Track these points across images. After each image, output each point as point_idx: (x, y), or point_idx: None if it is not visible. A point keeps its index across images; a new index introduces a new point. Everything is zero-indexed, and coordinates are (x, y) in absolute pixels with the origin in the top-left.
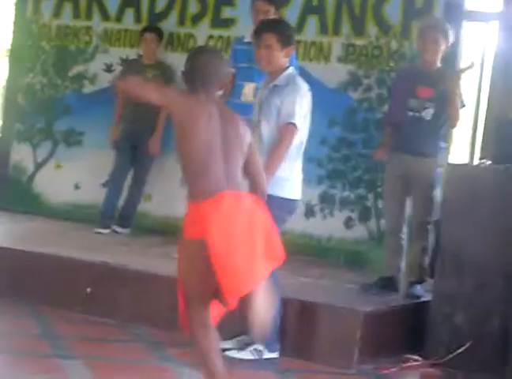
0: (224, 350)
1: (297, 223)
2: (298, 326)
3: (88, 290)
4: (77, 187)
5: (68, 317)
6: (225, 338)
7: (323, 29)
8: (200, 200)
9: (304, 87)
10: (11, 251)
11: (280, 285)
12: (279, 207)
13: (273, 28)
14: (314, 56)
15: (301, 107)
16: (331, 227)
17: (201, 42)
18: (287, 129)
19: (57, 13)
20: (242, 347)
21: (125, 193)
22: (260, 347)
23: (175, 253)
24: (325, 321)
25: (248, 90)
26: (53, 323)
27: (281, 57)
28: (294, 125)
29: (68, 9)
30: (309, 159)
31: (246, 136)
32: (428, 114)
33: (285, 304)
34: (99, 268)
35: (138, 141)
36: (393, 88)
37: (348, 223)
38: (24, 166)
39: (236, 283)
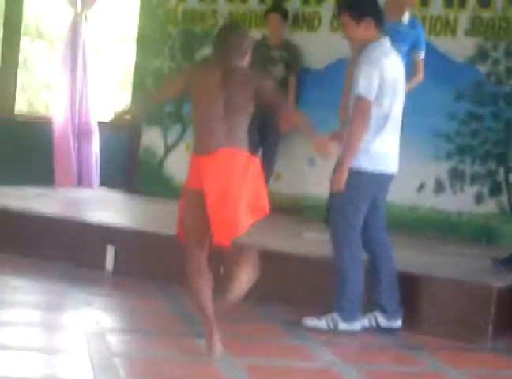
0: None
1: (427, 199)
2: (429, 302)
3: (222, 270)
4: None
5: None
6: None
7: (448, 3)
8: (201, 155)
9: (377, 55)
10: (142, 233)
11: (392, 255)
12: (351, 177)
13: (343, 6)
14: (440, 30)
15: (369, 77)
16: (461, 202)
17: (325, 20)
18: (354, 101)
19: None
20: (319, 317)
21: None
22: (335, 317)
23: (305, 232)
24: (457, 297)
25: None
26: (186, 302)
27: (361, 31)
28: (358, 95)
29: None
30: (437, 134)
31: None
32: None
33: (415, 280)
34: (231, 247)
35: (266, 119)
36: None
37: (478, 198)
38: (155, 150)
39: (224, 228)
